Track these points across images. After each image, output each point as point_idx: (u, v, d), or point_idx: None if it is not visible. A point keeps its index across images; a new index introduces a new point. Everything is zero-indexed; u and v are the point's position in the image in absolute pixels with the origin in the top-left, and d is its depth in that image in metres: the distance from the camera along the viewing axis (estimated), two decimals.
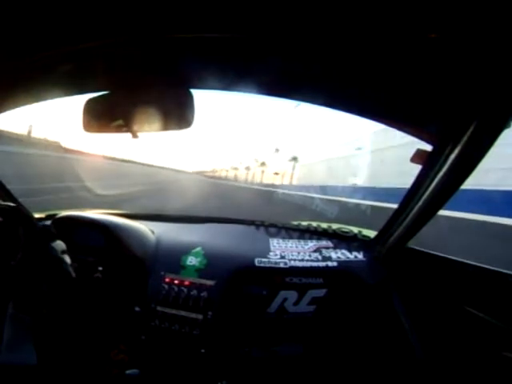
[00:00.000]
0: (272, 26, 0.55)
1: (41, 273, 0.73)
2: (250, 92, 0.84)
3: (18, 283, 0.70)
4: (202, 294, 1.09)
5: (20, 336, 0.66)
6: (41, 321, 0.71)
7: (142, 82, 0.76)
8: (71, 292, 0.82)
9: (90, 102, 0.76)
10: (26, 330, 0.66)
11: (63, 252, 0.82)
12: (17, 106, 0.88)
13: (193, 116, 0.72)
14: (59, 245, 0.81)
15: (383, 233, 1.18)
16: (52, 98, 0.88)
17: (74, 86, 0.85)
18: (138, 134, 0.77)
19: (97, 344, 1.12)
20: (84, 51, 0.64)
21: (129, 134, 0.76)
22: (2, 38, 0.57)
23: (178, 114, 0.73)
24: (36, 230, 0.77)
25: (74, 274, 0.79)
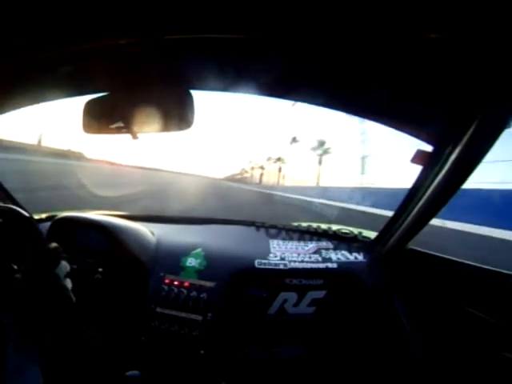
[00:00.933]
0: (272, 26, 0.55)
1: (42, 297, 0.72)
2: (249, 93, 0.84)
3: (20, 297, 0.69)
4: (201, 296, 1.08)
5: (24, 362, 0.65)
6: (46, 347, 0.70)
7: (142, 83, 0.76)
8: (72, 316, 0.81)
9: (89, 103, 0.76)
10: (31, 357, 0.66)
11: (66, 275, 0.80)
12: (17, 108, 0.88)
13: (193, 117, 0.72)
14: (63, 267, 0.80)
15: (383, 234, 1.18)
16: (52, 100, 0.88)
17: (73, 87, 0.85)
18: (138, 135, 0.77)
19: (97, 345, 1.11)
20: (84, 52, 0.64)
21: (138, 137, 0.77)
22: (2, 39, 0.57)
23: (178, 114, 0.73)
24: (37, 235, 0.76)
25: (74, 299, 0.78)
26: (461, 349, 0.91)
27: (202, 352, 1.06)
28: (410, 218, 0.98)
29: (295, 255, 1.21)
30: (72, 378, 1.04)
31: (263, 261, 1.16)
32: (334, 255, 1.22)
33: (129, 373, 1.00)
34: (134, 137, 0.77)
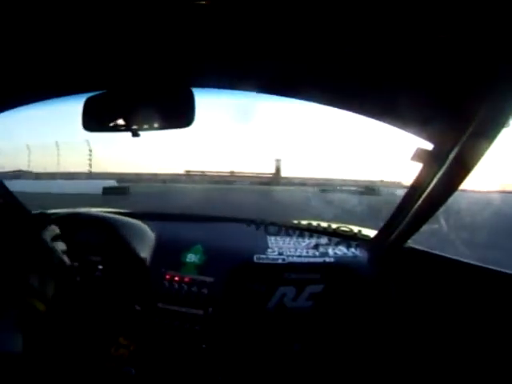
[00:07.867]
0: (274, 25, 0.54)
1: (32, 265, 0.72)
2: (250, 91, 0.85)
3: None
4: (202, 290, 1.09)
5: (5, 325, 0.65)
6: (30, 314, 0.70)
7: (142, 82, 0.76)
8: (68, 290, 0.81)
9: (89, 101, 0.76)
10: (13, 321, 0.66)
11: (63, 252, 0.81)
12: (17, 106, 0.88)
13: (193, 114, 0.73)
14: (51, 230, 0.81)
15: (383, 232, 1.18)
16: (52, 98, 0.88)
17: (75, 86, 0.85)
18: (139, 132, 0.78)
19: (97, 341, 1.12)
20: (84, 50, 0.64)
21: (139, 135, 0.77)
22: (0, 39, 0.56)
23: (178, 112, 0.73)
24: (32, 225, 0.76)
25: (68, 261, 0.79)
26: (460, 347, 0.91)
27: (204, 346, 1.07)
28: (409, 217, 0.98)
29: (293, 250, 1.21)
30: (71, 374, 1.05)
31: (262, 256, 1.17)
32: (331, 250, 1.22)
33: (124, 369, 1.01)
34: (134, 134, 0.78)
